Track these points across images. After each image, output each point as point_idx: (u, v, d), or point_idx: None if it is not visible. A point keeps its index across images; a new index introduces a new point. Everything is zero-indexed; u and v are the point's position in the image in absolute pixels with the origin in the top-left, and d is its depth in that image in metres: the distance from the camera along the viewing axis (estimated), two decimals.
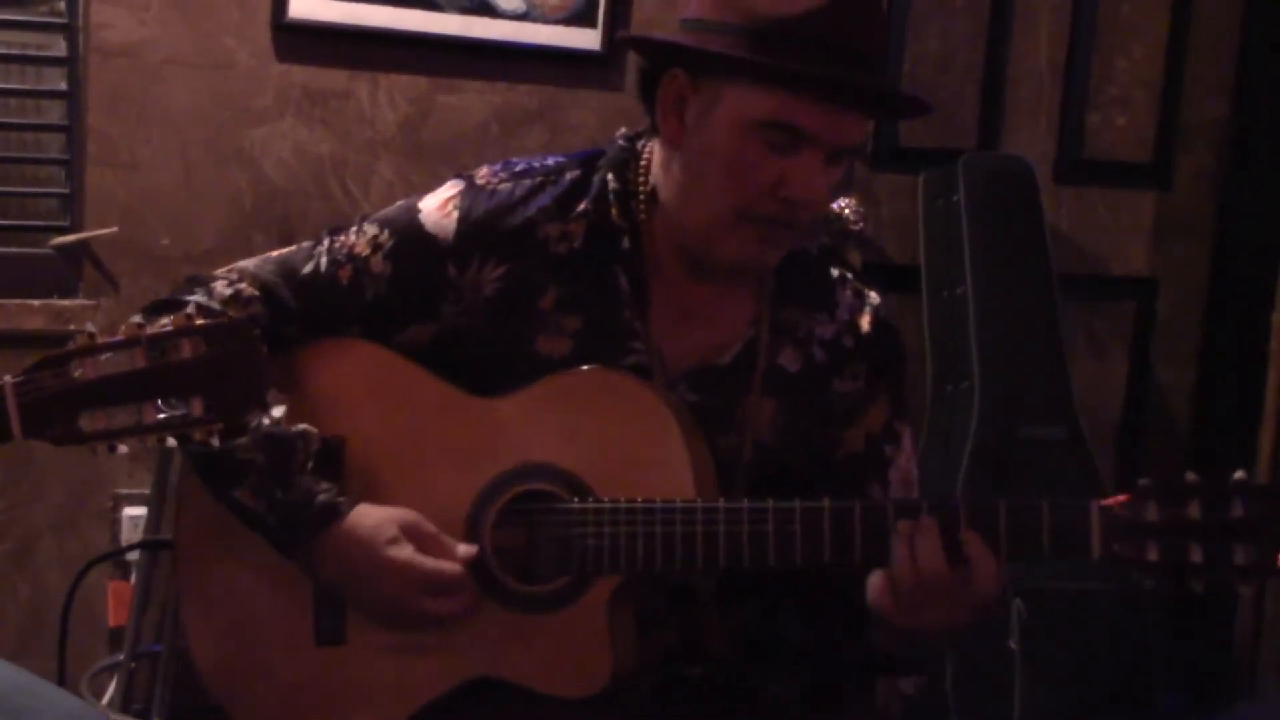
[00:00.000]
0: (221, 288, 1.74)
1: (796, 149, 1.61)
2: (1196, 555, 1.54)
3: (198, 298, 1.73)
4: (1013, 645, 2.96)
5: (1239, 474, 1.56)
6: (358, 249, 1.75)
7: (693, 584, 1.74)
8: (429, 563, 1.65)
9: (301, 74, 2.85)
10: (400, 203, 1.79)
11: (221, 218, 2.83)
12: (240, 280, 1.75)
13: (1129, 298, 3.54)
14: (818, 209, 1.68)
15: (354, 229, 1.78)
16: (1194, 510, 1.54)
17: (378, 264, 1.74)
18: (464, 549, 1.67)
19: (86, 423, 1.38)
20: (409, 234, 1.74)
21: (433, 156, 2.91)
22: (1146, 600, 3.14)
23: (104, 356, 1.37)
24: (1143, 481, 1.57)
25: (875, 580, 1.62)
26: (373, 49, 2.88)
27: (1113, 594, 3.07)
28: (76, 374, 1.37)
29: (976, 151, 3.29)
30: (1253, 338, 3.36)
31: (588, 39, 2.99)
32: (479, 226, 1.72)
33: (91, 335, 1.38)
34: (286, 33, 2.81)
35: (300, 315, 1.75)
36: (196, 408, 1.37)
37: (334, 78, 2.87)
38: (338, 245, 1.77)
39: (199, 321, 1.38)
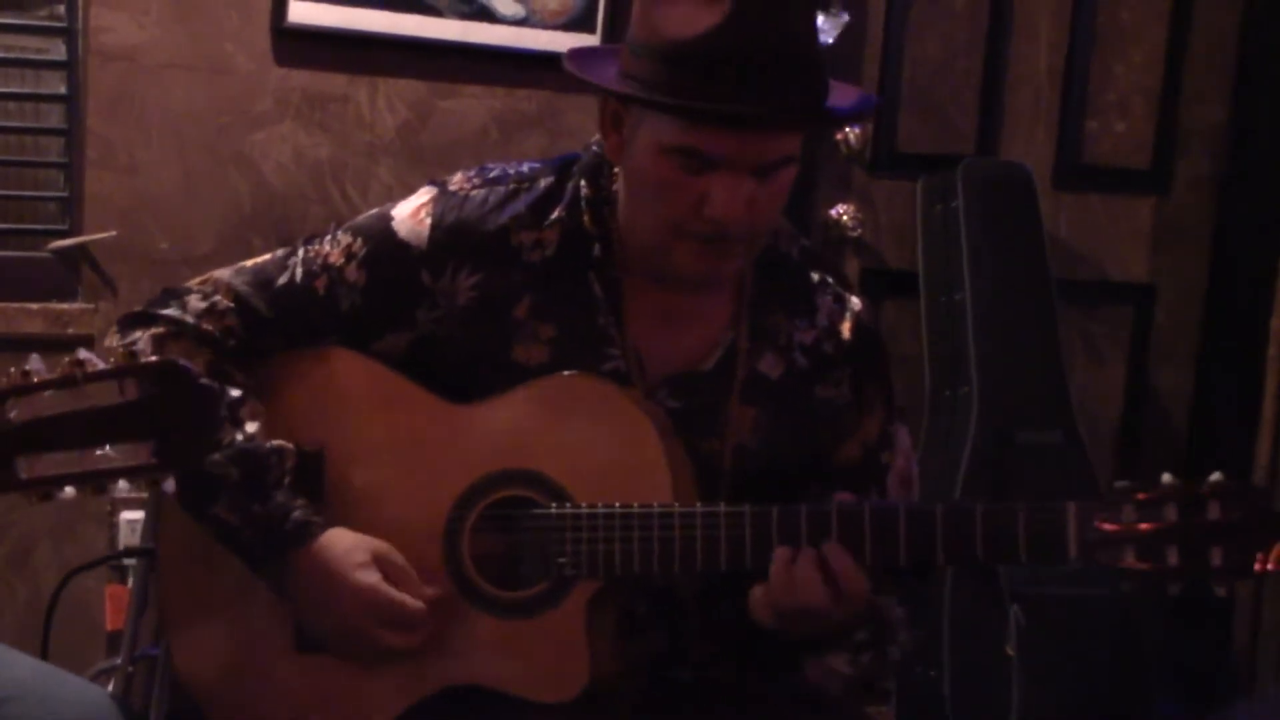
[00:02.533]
0: (196, 301, 1.73)
1: (713, 169, 1.59)
2: (1173, 558, 1.55)
3: (171, 311, 1.73)
4: (1010, 651, 2.96)
5: (1215, 476, 1.56)
6: (332, 258, 1.75)
7: (676, 587, 1.74)
8: (393, 594, 1.65)
9: (301, 78, 2.85)
10: (373, 210, 1.79)
11: (220, 221, 2.83)
12: (215, 292, 1.74)
13: (1127, 303, 3.53)
14: (752, 223, 1.63)
15: (328, 237, 1.77)
16: (1171, 513, 1.55)
17: (352, 273, 1.73)
18: (431, 591, 1.67)
19: (24, 467, 1.26)
20: (382, 241, 1.74)
21: (432, 161, 2.90)
22: (1144, 606, 3.14)
23: (44, 394, 1.26)
24: (1119, 484, 1.57)
25: (756, 593, 1.64)
26: (372, 54, 2.88)
27: (1110, 600, 3.06)
28: (11, 415, 1.26)
29: (975, 157, 3.29)
30: (1251, 344, 3.36)
31: (587, 44, 2.99)
32: (452, 233, 1.72)
33: (26, 374, 1.27)
34: (286, 37, 2.81)
35: (276, 326, 1.74)
36: (143, 453, 1.26)
37: (333, 82, 2.87)
38: (312, 254, 1.76)
39: (141, 360, 1.26)
